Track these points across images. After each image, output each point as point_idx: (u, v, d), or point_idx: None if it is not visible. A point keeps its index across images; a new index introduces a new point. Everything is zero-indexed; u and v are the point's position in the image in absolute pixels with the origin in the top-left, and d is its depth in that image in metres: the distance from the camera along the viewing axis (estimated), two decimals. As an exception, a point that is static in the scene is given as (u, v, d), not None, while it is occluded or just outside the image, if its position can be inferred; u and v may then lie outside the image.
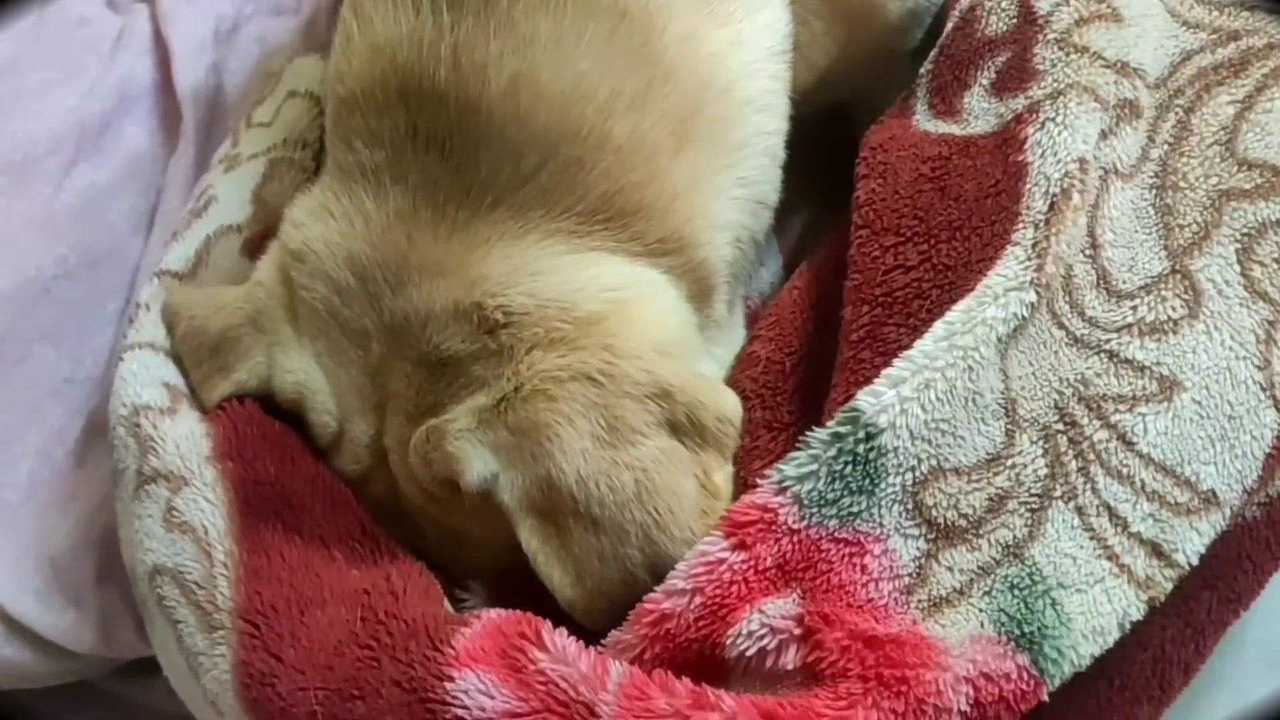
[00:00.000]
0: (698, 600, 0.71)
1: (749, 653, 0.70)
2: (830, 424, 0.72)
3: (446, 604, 0.79)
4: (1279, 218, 0.76)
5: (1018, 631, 0.70)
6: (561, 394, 0.74)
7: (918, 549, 0.72)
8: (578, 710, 0.68)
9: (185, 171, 1.06)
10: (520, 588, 0.77)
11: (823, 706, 0.67)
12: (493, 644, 0.71)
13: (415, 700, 0.70)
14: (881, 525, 0.71)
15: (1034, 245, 0.74)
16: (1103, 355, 0.74)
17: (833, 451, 0.71)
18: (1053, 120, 0.78)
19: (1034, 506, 0.72)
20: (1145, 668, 0.75)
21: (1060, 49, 0.81)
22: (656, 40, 0.78)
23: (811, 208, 1.00)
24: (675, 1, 0.79)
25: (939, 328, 0.73)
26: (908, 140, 0.84)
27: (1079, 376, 0.74)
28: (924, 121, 0.85)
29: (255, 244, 0.93)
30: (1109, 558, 0.71)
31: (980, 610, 0.70)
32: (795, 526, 0.71)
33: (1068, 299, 0.75)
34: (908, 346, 0.73)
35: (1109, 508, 0.72)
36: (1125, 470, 0.72)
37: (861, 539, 0.71)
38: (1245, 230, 0.76)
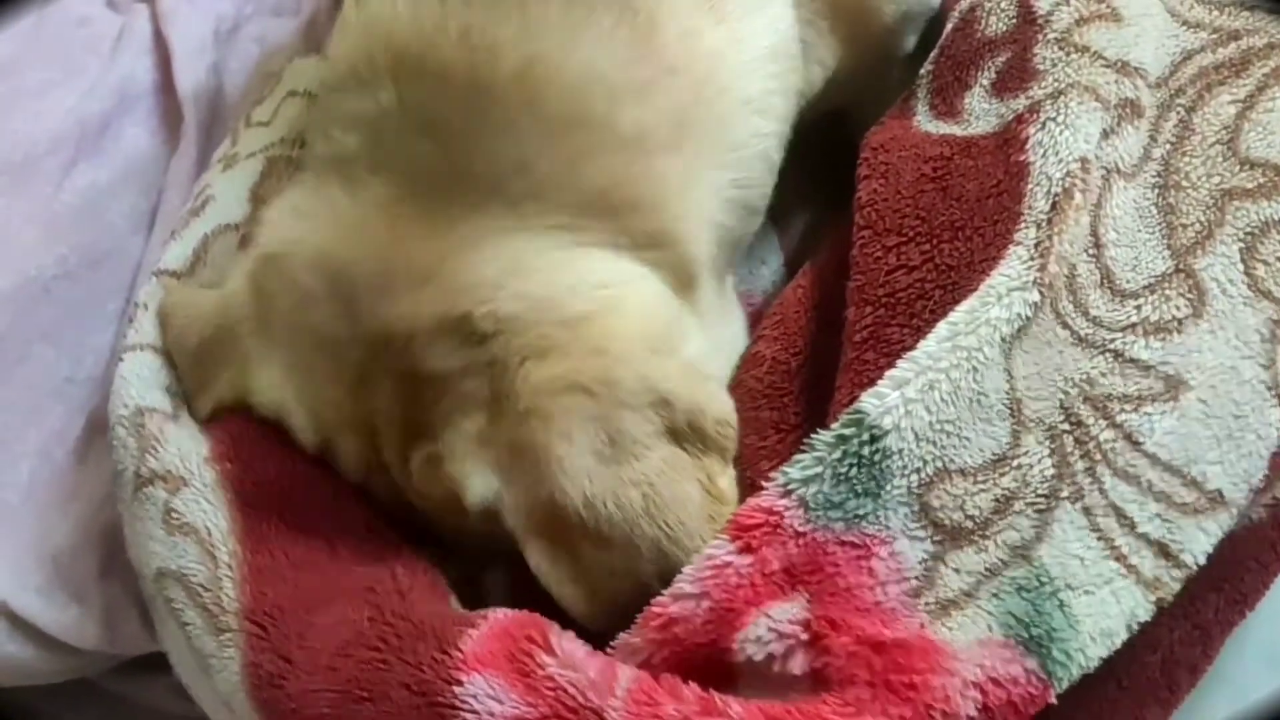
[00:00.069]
0: (705, 604, 0.70)
1: (756, 658, 0.70)
2: (835, 426, 0.72)
3: (453, 600, 0.79)
4: (1281, 217, 0.76)
5: (1026, 635, 0.69)
6: (557, 410, 0.72)
7: (925, 551, 0.71)
8: (586, 716, 0.68)
9: (187, 171, 1.06)
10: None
11: (830, 713, 0.67)
12: (500, 647, 0.71)
13: (425, 704, 0.70)
14: (888, 528, 0.71)
15: (1036, 245, 0.74)
16: (1108, 355, 0.74)
17: (837, 454, 0.71)
18: (1054, 120, 0.78)
19: (1041, 507, 0.72)
20: (1153, 669, 0.76)
21: (1060, 48, 0.81)
22: (659, 34, 0.77)
23: (812, 208, 1.00)
24: None
25: (942, 328, 0.73)
26: (909, 141, 0.83)
27: (1084, 376, 0.74)
28: (925, 122, 0.85)
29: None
30: (1117, 558, 0.71)
31: (988, 613, 0.70)
32: (801, 529, 0.71)
33: (1072, 298, 0.75)
34: (911, 347, 0.73)
35: (1116, 508, 0.72)
36: (1132, 470, 0.72)
37: (868, 542, 0.71)
38: (1248, 229, 0.76)
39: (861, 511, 0.71)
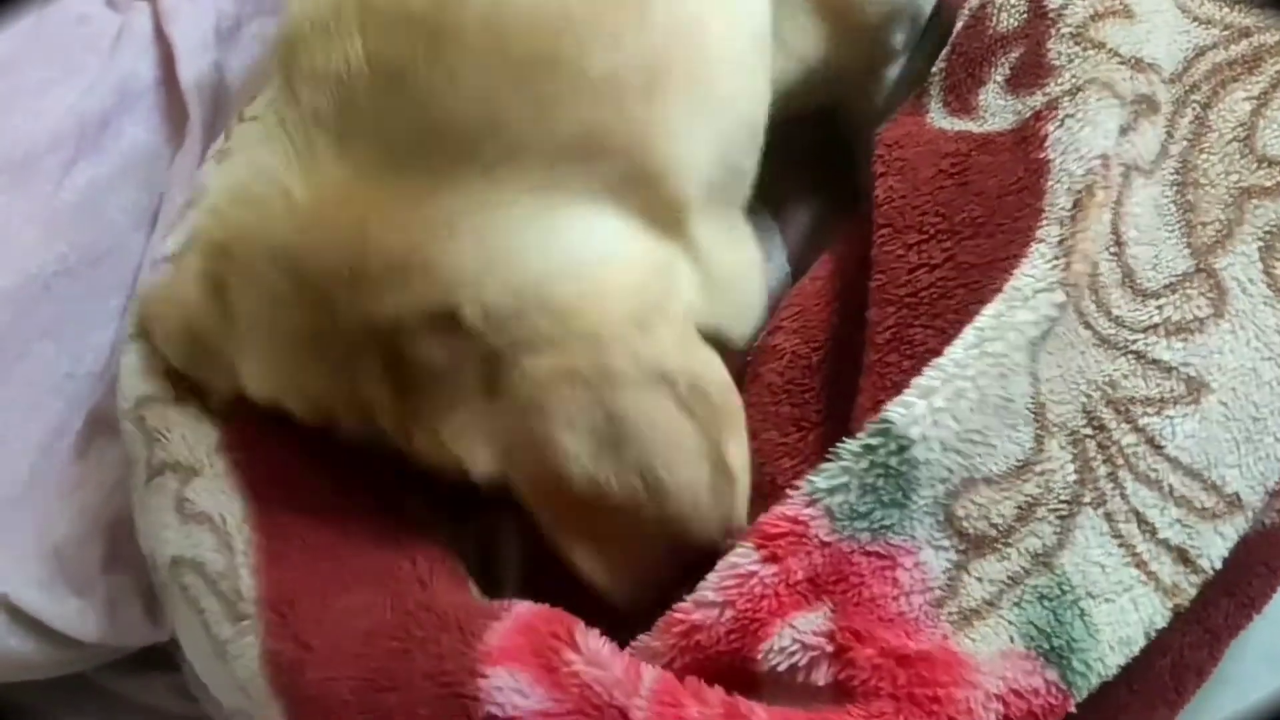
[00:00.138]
0: (729, 614, 0.70)
1: (780, 668, 0.69)
2: (861, 435, 0.71)
3: (472, 587, 0.79)
4: (1300, 216, 0.76)
5: (1047, 646, 0.69)
6: (557, 402, 0.72)
7: (949, 561, 0.71)
8: (611, 714, 0.67)
9: (191, 168, 1.05)
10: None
11: None
12: (525, 641, 0.70)
13: (449, 695, 0.69)
14: (913, 538, 0.71)
15: (1060, 242, 0.74)
16: (1130, 356, 0.74)
17: (864, 464, 0.70)
18: (1073, 116, 0.77)
19: (1063, 514, 0.71)
20: (1163, 673, 0.75)
21: (1075, 44, 0.81)
22: None
23: (813, 206, 0.99)
24: None
25: (969, 334, 0.72)
26: (923, 137, 0.83)
27: (1107, 379, 0.73)
28: (939, 119, 0.84)
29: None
30: (1137, 565, 0.71)
31: (1010, 623, 0.70)
32: (826, 539, 0.70)
33: (1094, 298, 0.75)
34: (935, 349, 0.72)
35: (1138, 513, 0.71)
36: (1154, 475, 0.72)
37: (893, 552, 0.70)
38: (1267, 228, 0.76)
39: (888, 522, 0.70)
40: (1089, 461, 0.72)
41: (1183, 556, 0.71)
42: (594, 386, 0.72)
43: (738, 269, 0.83)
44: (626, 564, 0.74)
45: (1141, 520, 0.71)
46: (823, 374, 0.83)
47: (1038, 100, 0.80)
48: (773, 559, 0.70)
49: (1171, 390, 0.73)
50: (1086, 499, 0.71)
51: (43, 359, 1.01)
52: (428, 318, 0.72)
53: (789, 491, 0.72)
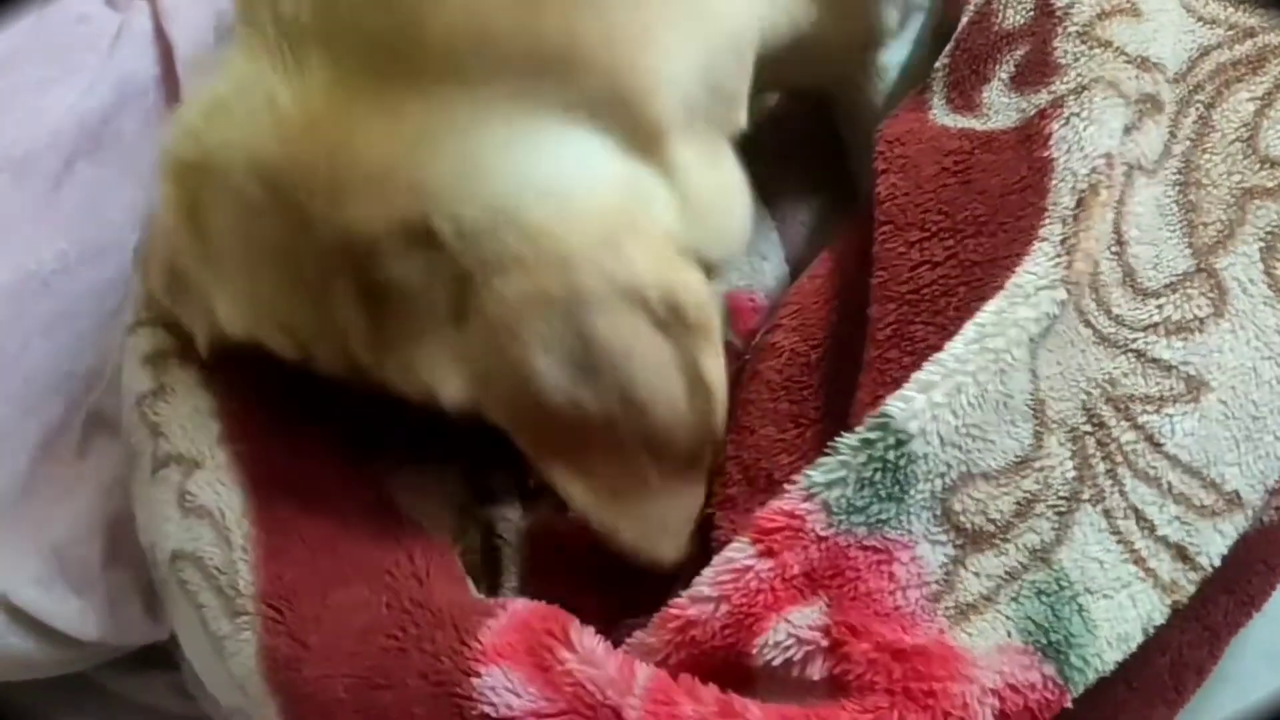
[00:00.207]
0: (724, 608, 0.70)
1: (775, 662, 0.69)
2: (860, 429, 0.71)
3: (470, 585, 0.79)
4: (1302, 217, 0.76)
5: (1044, 640, 0.69)
6: (528, 325, 0.71)
7: (945, 555, 0.71)
8: (604, 713, 0.67)
9: (194, 166, 1.06)
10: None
11: (849, 719, 0.67)
12: (520, 639, 0.70)
13: (442, 694, 0.69)
14: (910, 532, 0.70)
15: (1063, 241, 0.73)
16: (1130, 355, 0.74)
17: (862, 458, 0.70)
18: (1078, 115, 0.77)
19: (1062, 510, 0.71)
20: (1162, 671, 0.75)
21: (1082, 42, 0.80)
22: None
23: (812, 204, 1.00)
24: None
25: (970, 329, 0.71)
26: (925, 134, 0.82)
27: (1107, 376, 0.73)
28: (941, 115, 0.84)
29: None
30: (1135, 561, 0.71)
31: (1007, 618, 0.70)
32: (823, 534, 0.70)
33: (1095, 297, 0.75)
34: (936, 345, 0.72)
35: (1136, 510, 0.71)
36: (1153, 472, 0.72)
37: (890, 546, 0.70)
38: (1269, 229, 0.76)
39: (885, 516, 0.70)
40: (1088, 458, 0.72)
41: (1181, 554, 0.71)
42: (566, 308, 0.71)
43: (718, 192, 0.81)
44: (607, 480, 0.74)
45: (1140, 517, 0.71)
46: (821, 371, 0.82)
47: (1043, 98, 0.79)
48: (769, 553, 0.70)
49: (1171, 389, 0.73)
50: (1085, 495, 0.71)
51: (42, 356, 1.01)
52: (402, 231, 0.71)
53: (786, 486, 0.71)
